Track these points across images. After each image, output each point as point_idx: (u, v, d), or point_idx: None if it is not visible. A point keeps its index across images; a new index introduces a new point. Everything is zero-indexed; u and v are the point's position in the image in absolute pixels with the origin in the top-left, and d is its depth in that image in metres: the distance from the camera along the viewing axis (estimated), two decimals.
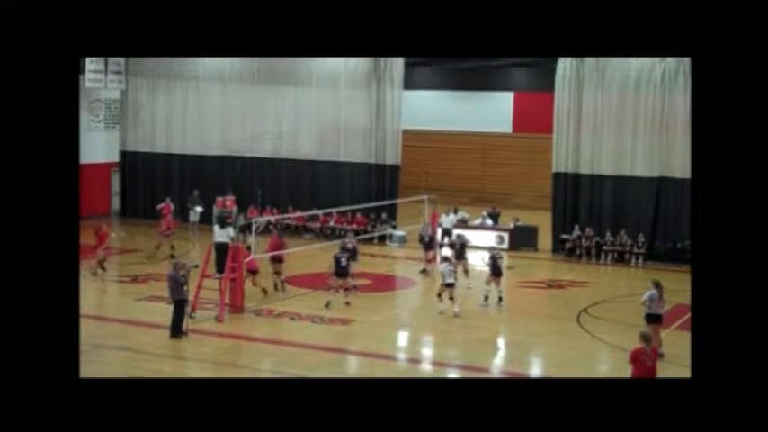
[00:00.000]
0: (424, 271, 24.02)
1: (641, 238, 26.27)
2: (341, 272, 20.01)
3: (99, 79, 31.65)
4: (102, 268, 23.06)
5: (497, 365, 16.94)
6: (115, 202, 34.68)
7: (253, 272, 20.53)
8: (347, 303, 20.03)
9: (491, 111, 39.22)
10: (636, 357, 12.28)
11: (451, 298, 19.39)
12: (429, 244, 24.10)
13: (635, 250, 26.30)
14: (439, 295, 19.56)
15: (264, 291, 20.68)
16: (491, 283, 20.56)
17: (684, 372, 14.21)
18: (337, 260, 20.07)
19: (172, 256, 25.12)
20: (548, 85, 31.00)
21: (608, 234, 26.70)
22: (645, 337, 12.75)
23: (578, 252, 26.80)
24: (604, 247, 26.67)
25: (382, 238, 28.78)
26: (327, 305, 19.79)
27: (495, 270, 20.50)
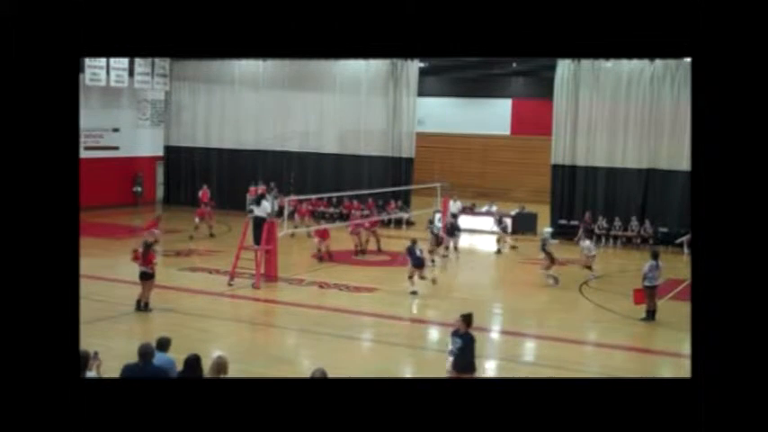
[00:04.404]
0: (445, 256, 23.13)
1: (633, 223, 25.72)
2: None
3: (146, 81, 31.13)
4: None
5: (512, 328, 16.19)
6: (159, 191, 34.21)
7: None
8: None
9: (492, 115, 38.78)
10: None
11: (422, 277, 18.30)
12: (438, 237, 22.87)
13: (626, 233, 25.73)
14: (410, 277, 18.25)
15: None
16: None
17: (682, 337, 13.83)
18: None
19: (211, 235, 25.20)
20: (542, 92, 30.77)
21: (600, 219, 26.12)
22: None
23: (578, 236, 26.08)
24: (597, 231, 26.00)
25: (398, 222, 28.19)
26: None
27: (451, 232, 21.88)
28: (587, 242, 21.25)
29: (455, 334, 10.36)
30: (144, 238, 20.74)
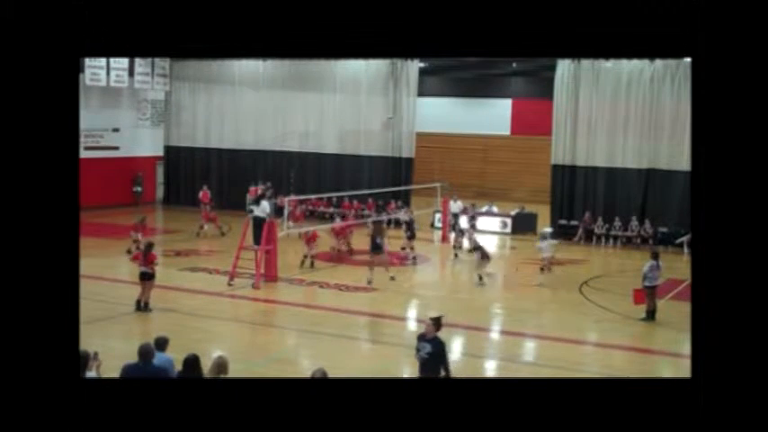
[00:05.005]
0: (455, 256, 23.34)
1: (633, 223, 25.71)
2: None
3: (146, 81, 31.13)
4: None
5: (512, 328, 16.18)
6: (159, 191, 34.21)
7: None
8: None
9: (492, 115, 38.78)
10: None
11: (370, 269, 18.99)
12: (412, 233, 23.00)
13: (626, 233, 25.74)
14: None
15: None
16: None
17: (682, 337, 13.83)
18: None
19: (223, 234, 25.22)
20: (542, 92, 30.75)
21: (600, 219, 26.14)
22: None
23: (578, 236, 26.11)
24: (596, 231, 26.04)
25: (398, 223, 28.14)
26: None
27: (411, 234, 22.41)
28: (544, 243, 20.67)
29: (422, 338, 9.46)
30: (130, 237, 20.89)
